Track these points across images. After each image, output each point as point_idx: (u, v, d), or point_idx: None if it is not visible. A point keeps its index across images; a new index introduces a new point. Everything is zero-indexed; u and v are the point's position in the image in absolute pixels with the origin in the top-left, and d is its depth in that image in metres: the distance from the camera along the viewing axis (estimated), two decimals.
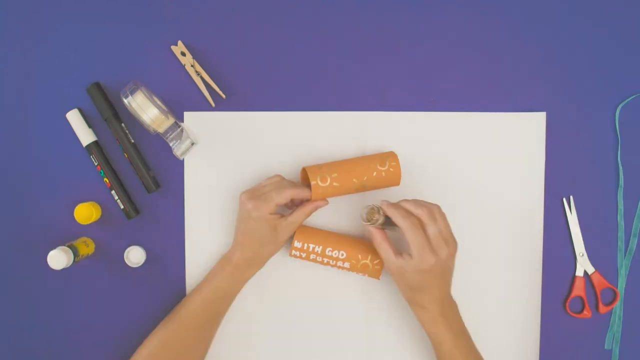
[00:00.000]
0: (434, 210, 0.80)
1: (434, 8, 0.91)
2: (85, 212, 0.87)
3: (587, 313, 0.91)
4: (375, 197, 0.90)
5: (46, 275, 0.91)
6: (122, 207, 0.90)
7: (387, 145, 0.91)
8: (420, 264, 0.78)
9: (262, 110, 0.91)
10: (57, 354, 0.92)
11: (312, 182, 0.84)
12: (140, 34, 0.91)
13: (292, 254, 0.87)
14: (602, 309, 0.91)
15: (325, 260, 0.87)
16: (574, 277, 0.91)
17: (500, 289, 0.91)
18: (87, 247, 0.88)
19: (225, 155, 0.91)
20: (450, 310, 0.83)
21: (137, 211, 0.91)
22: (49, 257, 0.82)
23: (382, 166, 0.86)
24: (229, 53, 0.91)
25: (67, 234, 0.91)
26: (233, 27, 0.91)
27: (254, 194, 0.84)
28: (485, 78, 0.91)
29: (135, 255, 0.90)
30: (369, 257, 0.86)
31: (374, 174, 0.85)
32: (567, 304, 0.91)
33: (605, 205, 0.91)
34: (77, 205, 0.88)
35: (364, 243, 0.88)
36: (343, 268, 0.87)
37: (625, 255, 0.91)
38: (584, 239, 0.91)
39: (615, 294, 0.91)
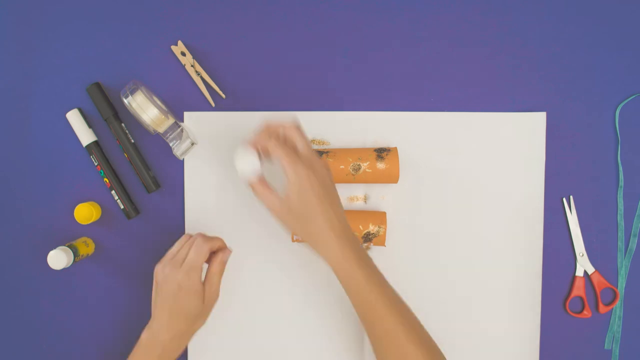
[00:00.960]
0: (292, 128, 0.76)
1: (434, 8, 0.91)
2: (85, 212, 0.87)
3: (587, 313, 0.91)
4: (370, 191, 0.90)
5: (46, 275, 0.91)
6: (122, 207, 0.90)
7: (387, 145, 0.91)
8: (298, 180, 0.72)
9: (262, 110, 0.91)
10: (57, 354, 0.92)
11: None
12: (140, 34, 0.91)
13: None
14: (602, 309, 0.91)
15: None
16: (574, 277, 0.91)
17: (500, 289, 0.91)
18: (87, 247, 0.88)
19: (225, 155, 0.91)
20: (354, 244, 0.75)
21: (137, 211, 0.91)
22: (49, 257, 0.82)
23: (381, 153, 0.86)
24: (229, 53, 0.91)
25: (67, 234, 0.91)
26: (233, 27, 0.91)
27: (175, 263, 0.78)
28: (485, 78, 0.91)
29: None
30: (369, 225, 0.85)
31: (368, 162, 0.85)
32: (567, 304, 0.91)
33: (605, 205, 0.91)
34: (77, 205, 0.88)
35: (360, 213, 0.87)
36: None
37: (625, 255, 0.91)
38: (584, 239, 0.91)
39: (615, 294, 0.91)
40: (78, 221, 0.87)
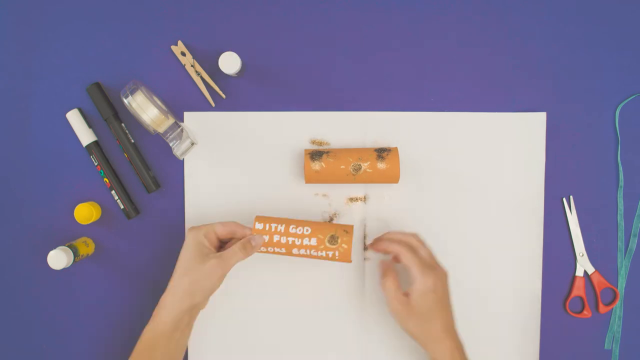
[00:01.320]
0: (416, 238, 0.84)
1: (434, 8, 0.91)
2: (85, 212, 0.87)
3: (587, 313, 0.91)
4: (370, 191, 0.90)
5: (46, 275, 0.91)
6: (122, 207, 0.90)
7: (388, 145, 0.91)
8: (424, 284, 0.79)
9: (262, 111, 0.91)
10: (57, 354, 0.92)
11: (306, 151, 0.86)
12: (140, 34, 0.91)
13: (256, 241, 0.83)
14: (602, 309, 0.91)
15: (290, 240, 0.82)
16: (574, 277, 0.91)
17: (500, 289, 0.91)
18: (87, 247, 0.88)
19: (225, 155, 0.91)
20: (461, 347, 0.81)
21: (137, 211, 0.91)
22: (49, 257, 0.82)
23: (381, 153, 0.86)
24: None
25: (67, 234, 0.91)
26: (233, 27, 0.91)
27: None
28: (485, 78, 0.91)
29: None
30: (336, 230, 0.83)
31: (368, 162, 0.85)
32: (567, 304, 0.91)
33: (605, 205, 0.91)
34: (77, 205, 0.88)
35: (327, 222, 0.86)
36: (310, 248, 0.83)
37: (625, 255, 0.91)
38: (584, 239, 0.91)
39: (615, 294, 0.91)
40: (78, 221, 0.87)
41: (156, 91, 0.90)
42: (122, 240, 0.91)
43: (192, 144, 0.87)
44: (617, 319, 0.91)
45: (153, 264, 0.91)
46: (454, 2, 0.91)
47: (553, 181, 0.91)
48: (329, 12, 0.91)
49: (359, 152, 0.86)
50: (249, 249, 0.82)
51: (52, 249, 0.83)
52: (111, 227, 0.91)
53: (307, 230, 0.83)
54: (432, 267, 0.81)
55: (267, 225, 0.83)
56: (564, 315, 0.91)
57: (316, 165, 0.86)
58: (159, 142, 0.91)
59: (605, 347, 0.91)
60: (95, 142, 0.90)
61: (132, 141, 0.90)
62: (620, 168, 0.91)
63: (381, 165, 0.86)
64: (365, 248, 0.90)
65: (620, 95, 0.91)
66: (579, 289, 0.91)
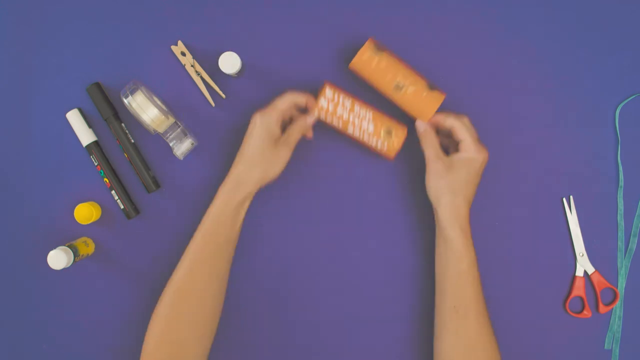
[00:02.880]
0: (468, 120, 0.85)
1: (434, 9, 0.91)
2: (85, 212, 0.87)
3: (587, 313, 0.91)
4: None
5: (46, 275, 0.91)
6: (122, 207, 0.90)
7: None
8: (476, 153, 0.82)
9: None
10: (57, 354, 0.92)
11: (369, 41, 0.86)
12: (141, 34, 0.91)
13: (321, 103, 0.85)
14: (602, 309, 0.91)
15: (352, 118, 0.85)
16: (574, 277, 0.91)
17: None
18: (87, 247, 0.88)
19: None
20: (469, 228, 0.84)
21: (137, 211, 0.91)
22: (48, 257, 0.82)
23: (430, 89, 0.86)
24: None
25: (67, 234, 0.91)
26: (233, 27, 0.91)
27: (264, 108, 0.84)
28: (485, 78, 0.91)
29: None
30: (395, 126, 0.86)
31: (418, 85, 0.85)
32: (567, 304, 0.91)
33: (605, 205, 0.91)
34: (77, 205, 0.88)
35: (387, 116, 0.88)
36: (365, 132, 0.86)
37: (625, 255, 0.91)
38: (584, 239, 0.91)
39: (615, 294, 0.91)
40: (78, 221, 0.87)
41: (156, 91, 0.90)
42: (122, 240, 0.91)
43: (192, 144, 0.87)
44: (617, 319, 0.91)
45: (153, 264, 0.91)
46: (454, 3, 0.91)
47: (553, 181, 0.91)
48: (329, 12, 0.91)
49: (406, 73, 0.86)
50: (308, 131, 0.87)
51: (51, 249, 0.83)
52: (111, 227, 0.91)
53: (369, 114, 0.86)
54: (483, 146, 0.83)
55: (336, 96, 0.85)
56: (564, 315, 0.91)
57: (373, 57, 0.85)
58: (159, 142, 0.91)
59: (605, 347, 0.91)
60: (95, 142, 0.90)
61: (132, 141, 0.90)
62: (620, 168, 0.91)
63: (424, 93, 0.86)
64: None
65: (620, 95, 0.91)
66: (579, 289, 0.91)
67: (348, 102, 0.85)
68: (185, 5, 0.91)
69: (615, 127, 0.91)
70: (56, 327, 0.91)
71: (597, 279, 0.91)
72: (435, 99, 0.85)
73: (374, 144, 0.86)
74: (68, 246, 0.85)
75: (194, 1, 0.91)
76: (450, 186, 0.82)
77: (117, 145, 0.91)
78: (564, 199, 0.91)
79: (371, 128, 0.86)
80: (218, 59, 0.85)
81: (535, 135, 0.91)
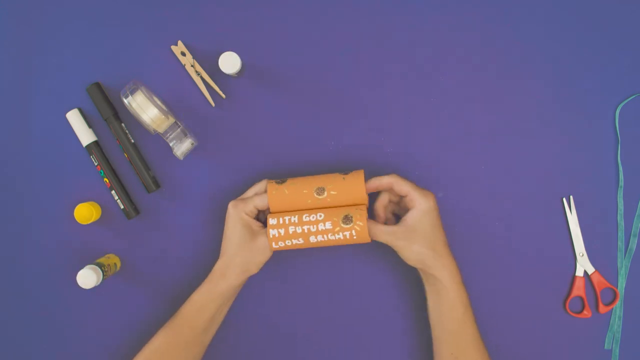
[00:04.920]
0: (393, 176, 0.84)
1: (433, 10, 0.91)
2: (85, 212, 0.87)
3: (587, 313, 0.91)
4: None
5: (45, 275, 0.91)
6: (122, 207, 0.90)
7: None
8: (426, 203, 0.80)
9: (262, 111, 0.91)
10: (56, 354, 0.92)
11: (269, 183, 0.84)
12: (141, 34, 0.91)
13: (271, 234, 0.82)
14: (602, 309, 0.91)
15: (306, 229, 0.81)
16: (574, 277, 0.91)
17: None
18: (115, 267, 0.88)
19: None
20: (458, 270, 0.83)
21: (137, 211, 0.91)
22: (78, 276, 0.82)
23: (343, 173, 0.85)
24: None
25: (68, 234, 0.91)
26: (233, 27, 0.91)
27: (238, 198, 0.85)
28: (485, 78, 0.91)
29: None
30: (349, 210, 0.82)
31: (335, 180, 0.83)
32: (567, 304, 0.91)
33: (605, 205, 0.91)
34: (77, 205, 0.88)
35: (339, 205, 0.84)
36: (326, 233, 0.81)
37: (625, 255, 0.91)
38: (584, 239, 0.91)
39: (615, 294, 0.91)
40: (78, 221, 0.87)
41: (156, 91, 0.90)
42: (122, 240, 0.91)
43: (192, 144, 0.87)
44: (617, 319, 0.91)
45: (153, 264, 0.91)
46: (453, 4, 0.91)
47: (553, 181, 0.91)
48: (329, 12, 0.91)
49: (324, 178, 0.84)
50: None
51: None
52: (111, 227, 0.91)
53: (320, 216, 0.82)
54: (426, 190, 0.82)
55: (281, 219, 0.82)
56: (564, 315, 0.91)
57: (279, 192, 0.84)
58: (159, 142, 0.91)
59: (605, 347, 0.91)
60: (95, 142, 0.90)
61: (132, 141, 0.90)
62: (620, 168, 0.91)
63: (344, 177, 0.84)
64: None
65: (620, 95, 0.91)
66: (579, 289, 0.91)
67: (295, 217, 0.82)
68: (185, 5, 0.91)
69: (615, 127, 0.91)
70: (55, 327, 0.91)
71: (597, 279, 0.91)
72: (357, 176, 0.83)
73: (342, 239, 0.82)
74: (95, 264, 0.84)
75: (194, 1, 0.91)
76: (425, 246, 0.80)
77: (117, 145, 0.91)
78: (564, 199, 0.91)
79: (329, 225, 0.81)
80: (218, 59, 0.85)
81: (535, 135, 0.91)
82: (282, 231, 0.82)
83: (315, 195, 0.83)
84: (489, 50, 0.91)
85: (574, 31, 0.91)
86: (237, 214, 0.82)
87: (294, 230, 0.82)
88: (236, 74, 0.87)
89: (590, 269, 0.91)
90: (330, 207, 0.83)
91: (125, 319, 0.91)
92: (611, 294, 0.92)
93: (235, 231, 0.82)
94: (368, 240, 0.82)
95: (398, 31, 0.91)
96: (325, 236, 0.82)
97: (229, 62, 0.85)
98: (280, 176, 0.90)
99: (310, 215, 0.82)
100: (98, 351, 0.91)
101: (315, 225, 0.81)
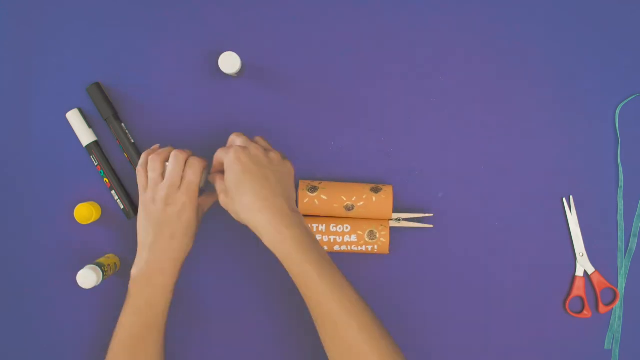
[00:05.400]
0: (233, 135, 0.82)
1: (433, 10, 0.91)
2: (85, 212, 0.87)
3: (587, 313, 0.91)
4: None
5: (45, 275, 0.91)
6: (122, 207, 0.90)
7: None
8: (227, 159, 0.76)
9: (261, 110, 0.91)
10: (56, 354, 0.91)
11: (300, 189, 0.86)
12: (141, 34, 0.91)
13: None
14: (602, 309, 0.91)
15: (332, 238, 0.86)
16: (574, 277, 0.91)
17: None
18: (115, 267, 0.88)
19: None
20: (299, 227, 0.75)
21: (137, 211, 0.91)
22: (78, 276, 0.82)
23: (375, 192, 0.87)
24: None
25: (68, 234, 0.91)
26: (233, 27, 0.91)
27: (172, 186, 0.81)
28: (484, 79, 0.91)
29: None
30: (374, 225, 0.86)
31: (364, 196, 0.86)
32: (567, 304, 0.91)
33: (605, 205, 0.91)
34: (77, 205, 0.88)
35: (365, 218, 0.88)
36: (351, 244, 0.86)
37: (625, 255, 0.91)
38: (584, 239, 0.91)
39: (615, 294, 0.91)
40: (78, 221, 0.87)
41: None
42: (122, 240, 0.91)
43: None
44: (617, 319, 0.91)
45: None
46: (454, 5, 0.91)
47: (553, 181, 0.91)
48: (329, 12, 0.91)
49: (353, 191, 0.87)
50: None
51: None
52: (111, 227, 0.91)
53: (347, 228, 0.86)
54: (237, 145, 0.78)
55: (309, 226, 0.84)
56: (564, 315, 0.91)
57: (310, 200, 0.87)
58: (159, 142, 0.91)
59: (605, 347, 0.91)
60: (95, 142, 0.90)
61: (132, 141, 0.90)
62: (620, 168, 0.91)
63: (374, 198, 0.86)
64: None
65: (620, 95, 0.91)
66: (579, 289, 0.91)
67: (322, 226, 0.87)
68: (185, 5, 0.91)
69: (615, 127, 0.91)
70: (55, 327, 0.91)
71: (597, 279, 0.91)
72: (386, 198, 0.86)
73: (364, 250, 0.87)
74: (95, 264, 0.84)
75: (194, 1, 0.91)
76: (236, 205, 0.76)
77: (117, 145, 0.91)
78: (564, 199, 0.91)
79: (354, 238, 0.86)
80: (218, 59, 0.85)
81: (535, 135, 0.91)
82: None
83: (345, 210, 0.86)
84: (489, 50, 0.91)
85: (574, 31, 0.91)
86: (193, 207, 0.81)
87: (320, 238, 0.87)
88: (236, 74, 0.87)
89: (590, 269, 0.91)
90: (356, 219, 0.87)
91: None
92: (611, 294, 0.92)
93: (193, 220, 0.82)
94: (387, 252, 0.88)
95: (398, 31, 0.91)
96: (348, 247, 0.87)
97: (229, 62, 0.85)
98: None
99: (337, 226, 0.86)
100: (98, 351, 0.91)
101: (341, 237, 0.86)
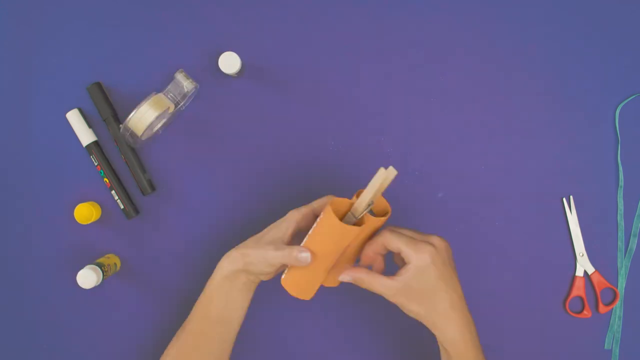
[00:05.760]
0: (391, 227, 0.76)
1: (433, 10, 0.91)
2: (85, 212, 0.87)
3: (587, 313, 0.91)
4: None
5: (45, 275, 0.91)
6: (122, 207, 0.90)
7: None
8: (420, 259, 0.71)
9: (261, 110, 0.91)
10: (56, 354, 0.92)
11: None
12: (141, 34, 0.91)
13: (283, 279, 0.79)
14: (602, 309, 0.91)
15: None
16: (574, 277, 0.91)
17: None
18: (115, 267, 0.88)
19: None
20: (471, 322, 0.75)
21: (137, 211, 0.91)
22: (78, 276, 0.82)
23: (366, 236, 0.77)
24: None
25: (68, 234, 0.91)
26: (233, 27, 0.91)
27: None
28: (484, 79, 0.91)
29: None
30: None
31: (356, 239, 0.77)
32: (567, 304, 0.91)
33: (605, 205, 0.91)
34: (77, 205, 0.88)
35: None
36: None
37: (625, 255, 0.91)
38: (584, 239, 0.91)
39: (615, 294, 0.91)
40: (78, 221, 0.87)
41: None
42: (122, 240, 0.91)
43: (195, 87, 0.86)
44: (617, 319, 0.91)
45: (153, 264, 0.91)
46: (448, 7, 0.91)
47: (553, 181, 0.91)
48: (329, 12, 0.91)
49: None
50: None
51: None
52: (111, 227, 0.91)
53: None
54: (425, 240, 0.74)
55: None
56: (564, 315, 0.91)
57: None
58: (158, 143, 0.91)
59: (605, 347, 0.91)
60: (95, 142, 0.90)
61: None
62: (620, 168, 0.91)
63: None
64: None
65: (620, 95, 0.91)
66: (579, 289, 0.91)
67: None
68: (185, 5, 0.91)
69: (615, 127, 0.91)
70: (55, 326, 0.91)
71: (597, 279, 0.91)
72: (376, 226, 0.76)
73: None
74: (95, 264, 0.85)
75: (193, 1, 0.91)
76: (423, 306, 0.73)
77: (116, 145, 0.91)
78: (564, 199, 0.91)
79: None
80: (218, 59, 0.85)
81: (535, 135, 0.91)
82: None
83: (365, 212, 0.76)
84: (489, 50, 0.91)
85: (574, 31, 0.91)
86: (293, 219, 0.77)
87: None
88: (236, 74, 0.87)
89: (590, 269, 0.91)
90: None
91: (125, 319, 0.91)
92: (611, 294, 0.92)
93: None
94: (389, 212, 0.77)
95: (398, 31, 0.91)
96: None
97: (229, 62, 0.85)
98: (277, 174, 0.89)
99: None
100: (98, 351, 0.91)
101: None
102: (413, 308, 0.73)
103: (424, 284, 0.72)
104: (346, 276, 0.75)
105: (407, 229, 0.76)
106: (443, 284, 0.73)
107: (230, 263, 0.77)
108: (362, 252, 0.77)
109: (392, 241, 0.73)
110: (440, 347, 0.76)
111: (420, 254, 0.72)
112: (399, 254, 0.75)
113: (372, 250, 0.76)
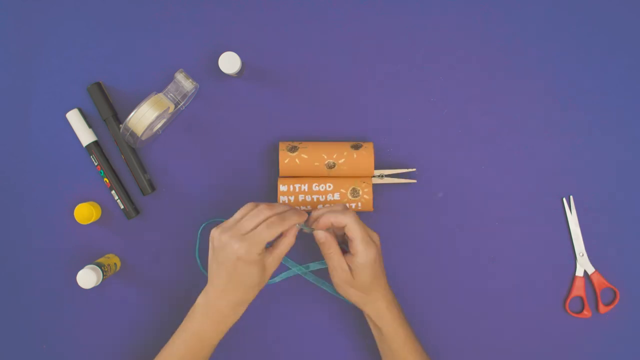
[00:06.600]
0: (351, 210, 0.81)
1: (433, 10, 0.91)
2: (85, 212, 0.87)
3: (587, 313, 0.91)
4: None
5: (45, 275, 0.91)
6: (122, 207, 0.90)
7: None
8: (365, 258, 0.79)
9: (261, 110, 0.91)
10: (56, 354, 0.92)
11: (280, 149, 0.86)
12: (140, 34, 0.91)
13: (280, 200, 0.86)
14: (602, 309, 0.91)
15: (315, 197, 0.86)
16: (574, 277, 0.91)
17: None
18: (115, 267, 0.88)
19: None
20: (394, 300, 0.84)
21: (137, 211, 0.91)
22: (78, 276, 0.82)
23: (355, 149, 0.87)
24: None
25: (68, 234, 0.91)
26: (233, 27, 0.91)
27: (236, 232, 0.76)
28: (484, 79, 0.91)
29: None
30: (356, 182, 0.86)
31: (345, 153, 0.86)
32: (567, 304, 0.91)
33: (605, 205, 0.91)
34: (77, 205, 0.88)
35: (347, 176, 0.87)
36: (333, 203, 0.86)
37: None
38: (584, 239, 0.91)
39: (615, 294, 0.91)
40: (78, 221, 0.87)
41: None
42: (122, 241, 0.91)
43: (194, 87, 0.86)
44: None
45: (153, 264, 0.91)
46: (453, 6, 0.91)
47: (553, 181, 0.91)
48: (328, 13, 0.91)
49: (334, 149, 0.87)
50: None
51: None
52: (111, 227, 0.91)
53: (329, 187, 0.86)
54: (371, 239, 0.80)
55: (291, 187, 0.86)
56: (564, 315, 0.91)
57: (291, 160, 0.87)
58: (158, 143, 0.91)
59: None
60: (95, 142, 0.90)
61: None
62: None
63: (355, 155, 0.86)
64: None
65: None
66: (579, 289, 0.91)
67: (305, 186, 0.86)
68: (185, 5, 0.91)
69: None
70: (55, 326, 0.91)
71: (597, 279, 0.91)
72: (367, 154, 0.86)
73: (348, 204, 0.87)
74: (95, 264, 0.85)
75: (193, 1, 0.91)
76: (361, 289, 0.81)
77: (116, 145, 0.91)
78: (564, 199, 0.91)
79: (337, 196, 0.86)
80: (218, 59, 0.85)
81: (535, 135, 0.91)
82: (292, 198, 0.86)
83: (326, 168, 0.86)
84: (489, 50, 0.91)
85: (574, 31, 0.91)
86: (251, 259, 0.75)
87: (303, 198, 0.86)
88: (236, 74, 0.87)
89: (590, 269, 0.91)
90: (338, 177, 0.87)
91: (125, 319, 0.91)
92: (611, 294, 0.92)
93: (251, 274, 0.77)
94: (371, 210, 0.87)
95: (398, 31, 0.91)
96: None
97: (229, 62, 0.85)
98: (277, 174, 0.90)
99: (319, 185, 0.86)
100: (98, 351, 0.91)
101: (324, 195, 0.86)
102: (350, 294, 0.82)
103: (364, 280, 0.80)
104: (321, 234, 0.79)
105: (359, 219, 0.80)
106: (378, 279, 0.81)
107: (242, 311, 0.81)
108: (322, 218, 0.79)
109: (353, 230, 0.78)
110: (369, 322, 0.84)
111: (368, 251, 0.79)
112: (350, 241, 0.79)
113: (332, 221, 0.79)
